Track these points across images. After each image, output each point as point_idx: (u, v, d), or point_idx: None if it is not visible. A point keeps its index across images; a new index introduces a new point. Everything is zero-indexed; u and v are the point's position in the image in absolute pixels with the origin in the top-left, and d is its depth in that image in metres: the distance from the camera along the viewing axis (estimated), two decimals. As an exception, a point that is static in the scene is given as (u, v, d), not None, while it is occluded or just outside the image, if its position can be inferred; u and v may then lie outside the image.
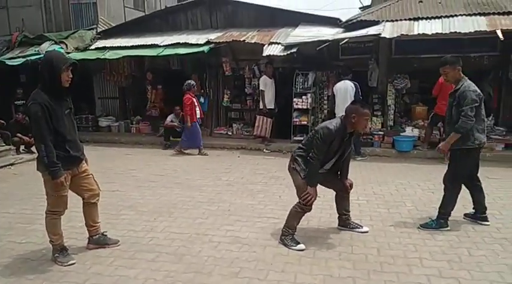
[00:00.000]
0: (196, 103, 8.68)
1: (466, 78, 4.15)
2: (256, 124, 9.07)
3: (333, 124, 3.71)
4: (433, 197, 5.28)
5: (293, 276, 3.27)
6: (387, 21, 8.22)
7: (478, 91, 4.02)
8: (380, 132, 8.64)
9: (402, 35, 7.55)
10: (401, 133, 8.47)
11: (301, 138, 8.89)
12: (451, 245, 3.82)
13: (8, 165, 7.62)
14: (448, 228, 4.16)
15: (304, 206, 3.75)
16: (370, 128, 8.77)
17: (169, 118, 9.42)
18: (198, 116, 8.75)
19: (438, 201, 4.70)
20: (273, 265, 3.47)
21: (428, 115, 8.26)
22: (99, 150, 9.25)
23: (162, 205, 5.14)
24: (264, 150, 8.87)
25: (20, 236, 4.17)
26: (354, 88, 7.60)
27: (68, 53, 10.16)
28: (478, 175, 4.40)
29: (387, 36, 7.64)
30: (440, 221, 4.19)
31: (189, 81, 8.69)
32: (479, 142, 4.06)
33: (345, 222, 4.22)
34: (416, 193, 5.57)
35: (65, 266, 3.46)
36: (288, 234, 3.85)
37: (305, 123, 9.00)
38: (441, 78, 7.50)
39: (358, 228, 4.18)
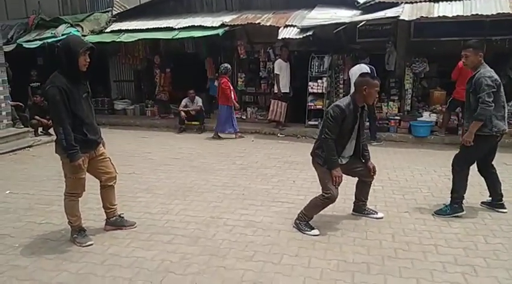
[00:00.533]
0: (232, 87, 8.69)
1: (486, 65, 4.03)
2: (271, 108, 9.02)
3: (342, 102, 3.69)
4: (449, 183, 5.12)
5: (307, 260, 3.29)
6: (406, 2, 8.01)
7: (495, 76, 3.91)
8: (397, 117, 8.51)
9: (422, 17, 7.34)
10: (418, 118, 8.34)
11: (316, 123, 8.90)
12: (468, 233, 3.78)
13: (27, 147, 7.76)
14: (464, 212, 4.11)
15: (327, 199, 3.72)
16: (386, 113, 8.66)
17: (183, 102, 9.44)
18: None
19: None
20: (287, 249, 3.50)
21: (447, 100, 8.10)
22: (115, 132, 9.37)
23: (178, 188, 5.20)
24: (278, 135, 8.85)
25: (40, 217, 4.28)
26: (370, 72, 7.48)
27: (84, 35, 10.22)
28: (495, 161, 4.32)
29: (406, 19, 7.44)
30: (454, 206, 4.13)
31: (226, 65, 8.70)
32: (498, 129, 3.96)
33: (360, 208, 4.21)
34: (432, 179, 5.51)
35: (83, 246, 3.55)
36: (304, 220, 3.86)
37: (320, 107, 8.91)
38: (460, 62, 7.31)
39: (373, 214, 4.17)
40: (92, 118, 3.56)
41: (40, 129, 8.92)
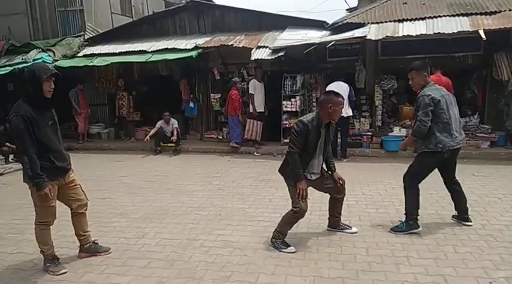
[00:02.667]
0: (240, 100, 9.10)
1: (432, 84, 4.17)
2: (247, 127, 9.12)
3: (306, 117, 3.80)
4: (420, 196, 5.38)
5: (283, 278, 3.32)
6: (372, 23, 8.36)
7: (433, 95, 3.98)
8: (368, 133, 8.75)
9: (387, 36, 7.68)
10: (389, 133, 8.59)
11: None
12: (438, 243, 3.90)
13: (-3, 175, 7.58)
14: (419, 229, 4.12)
15: (296, 214, 3.79)
16: (358, 129, 8.89)
17: (158, 124, 9.43)
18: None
19: (425, 200, 4.81)
20: (264, 267, 3.52)
21: (415, 115, 8.39)
22: (89, 157, 9.25)
23: (154, 212, 5.16)
24: (255, 153, 8.93)
25: (11, 246, 4.17)
26: (348, 89, 7.73)
27: (56, 60, 10.17)
28: (459, 175, 4.42)
29: (373, 38, 7.76)
30: (410, 223, 4.14)
31: (235, 78, 9.29)
32: (444, 145, 3.97)
33: (334, 223, 4.28)
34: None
35: (56, 275, 3.47)
36: (279, 238, 3.90)
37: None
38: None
39: (348, 229, 4.25)
40: (60, 145, 3.52)
41: (11, 156, 8.71)
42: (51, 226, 3.57)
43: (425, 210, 4.77)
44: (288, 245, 3.85)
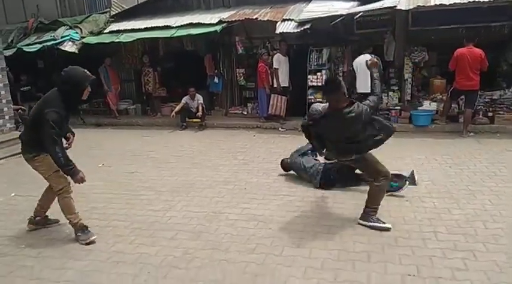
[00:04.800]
0: (269, 71, 9.05)
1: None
2: (271, 102, 9.04)
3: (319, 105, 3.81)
4: (450, 171, 5.25)
5: (308, 251, 3.34)
6: (403, -8, 7.97)
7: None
8: (397, 107, 8.51)
9: (419, 6, 7.32)
10: (419, 108, 8.33)
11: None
12: (468, 219, 3.81)
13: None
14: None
15: (387, 179, 3.77)
16: (387, 103, 8.65)
17: (184, 100, 9.47)
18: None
19: (456, 175, 4.69)
20: (288, 241, 3.54)
21: (447, 89, 8.09)
22: (118, 133, 9.45)
23: (180, 185, 5.25)
24: (280, 129, 8.87)
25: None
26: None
27: (83, 37, 10.27)
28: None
29: (403, 8, 7.42)
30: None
31: (261, 50, 9.35)
32: None
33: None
34: (433, 167, 5.52)
35: (87, 243, 3.63)
36: (375, 212, 3.78)
37: (320, 100, 8.91)
38: (457, 51, 7.33)
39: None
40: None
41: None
42: (71, 194, 3.73)
43: (456, 185, 4.66)
44: (383, 222, 3.73)
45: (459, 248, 3.26)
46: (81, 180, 3.57)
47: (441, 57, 8.96)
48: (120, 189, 5.10)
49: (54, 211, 3.96)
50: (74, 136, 3.90)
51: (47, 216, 4.07)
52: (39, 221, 4.03)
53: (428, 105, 8.30)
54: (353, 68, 7.88)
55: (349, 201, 4.35)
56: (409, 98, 8.76)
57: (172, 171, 5.98)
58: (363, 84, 7.37)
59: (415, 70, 8.85)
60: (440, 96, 8.37)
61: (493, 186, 4.64)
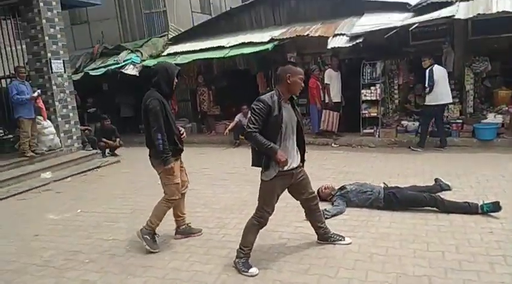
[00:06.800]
0: (320, 86, 9.08)
1: None
2: (323, 118, 8.96)
3: (266, 95, 3.40)
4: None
5: (364, 274, 3.22)
6: (461, 0, 7.65)
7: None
8: (458, 120, 8.09)
9: (479, 14, 6.97)
10: (483, 121, 7.86)
11: (372, 131, 8.71)
12: (542, 243, 3.50)
13: (95, 168, 8.33)
14: None
15: (260, 221, 3.56)
16: (447, 116, 8.24)
17: (237, 117, 9.66)
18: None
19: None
20: (343, 262, 3.45)
21: (514, 100, 7.59)
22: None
23: (233, 202, 5.32)
24: (333, 145, 8.75)
25: (107, 233, 4.57)
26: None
27: (143, 60, 10.88)
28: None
29: (462, 17, 7.12)
30: None
31: (312, 66, 9.36)
32: None
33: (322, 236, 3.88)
34: (500, 185, 5.15)
35: (149, 250, 3.86)
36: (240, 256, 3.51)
37: (375, 114, 8.72)
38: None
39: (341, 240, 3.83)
40: (176, 130, 3.99)
41: (107, 151, 9.55)
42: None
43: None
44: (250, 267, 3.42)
45: (533, 275, 2.99)
46: (169, 171, 3.81)
47: (505, 67, 8.46)
48: (177, 206, 5.25)
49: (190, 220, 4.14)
50: (183, 130, 4.15)
51: (189, 225, 4.30)
52: (184, 230, 4.25)
53: (493, 118, 7.81)
54: (431, 76, 7.41)
55: (408, 221, 4.16)
56: (471, 111, 8.31)
57: (226, 188, 6.08)
58: (445, 92, 7.51)
59: (477, 81, 8.39)
60: (506, 108, 7.84)
61: None
